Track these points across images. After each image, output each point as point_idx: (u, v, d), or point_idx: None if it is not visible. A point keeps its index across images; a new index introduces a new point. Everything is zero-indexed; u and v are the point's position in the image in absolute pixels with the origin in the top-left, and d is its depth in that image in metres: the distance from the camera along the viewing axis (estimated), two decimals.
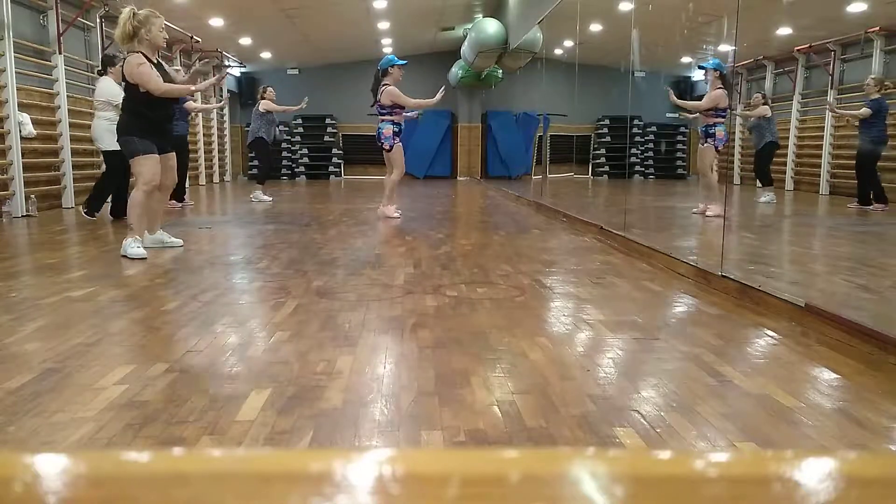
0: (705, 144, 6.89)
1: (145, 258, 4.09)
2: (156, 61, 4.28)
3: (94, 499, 0.29)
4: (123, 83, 4.33)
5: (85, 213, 6.26)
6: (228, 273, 3.81)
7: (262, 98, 9.04)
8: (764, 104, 8.69)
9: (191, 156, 9.19)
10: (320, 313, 2.79)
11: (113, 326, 2.58)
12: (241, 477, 0.30)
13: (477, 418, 1.71)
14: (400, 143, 6.76)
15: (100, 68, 6.62)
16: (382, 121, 6.66)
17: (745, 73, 12.77)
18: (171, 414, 1.72)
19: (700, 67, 7.09)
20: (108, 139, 6.00)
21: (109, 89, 6.09)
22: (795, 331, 2.56)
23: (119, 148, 5.93)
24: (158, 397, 1.83)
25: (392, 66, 6.53)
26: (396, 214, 6.80)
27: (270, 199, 8.92)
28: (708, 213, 6.68)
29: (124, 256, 4.12)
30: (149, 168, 4.24)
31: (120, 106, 5.96)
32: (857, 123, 7.86)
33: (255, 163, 9.46)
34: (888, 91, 7.56)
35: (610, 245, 4.85)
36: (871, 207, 7.53)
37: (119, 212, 6.24)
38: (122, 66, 4.31)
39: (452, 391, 1.89)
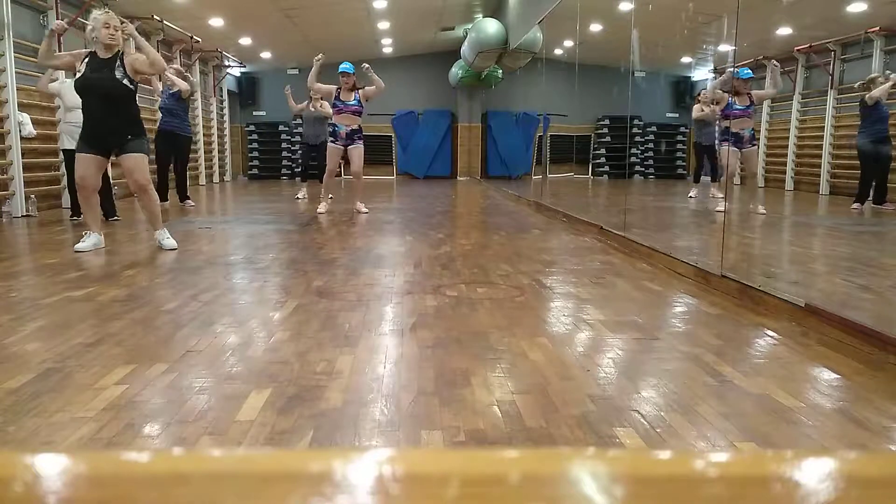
0: (754, 145, 7.04)
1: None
2: (103, 58, 4.34)
3: (94, 499, 0.29)
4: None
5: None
6: (228, 273, 3.81)
7: (317, 100, 8.91)
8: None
9: (191, 155, 9.19)
10: (320, 313, 2.79)
11: (113, 326, 2.58)
12: (241, 477, 0.30)
13: (477, 418, 1.71)
14: (332, 144, 7.14)
15: None
16: None
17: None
18: (171, 414, 1.72)
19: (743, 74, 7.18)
20: (62, 139, 6.27)
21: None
22: (795, 331, 2.56)
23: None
24: (158, 397, 1.84)
25: (344, 73, 6.94)
26: (321, 210, 7.13)
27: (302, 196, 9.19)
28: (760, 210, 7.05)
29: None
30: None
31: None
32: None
33: (314, 164, 9.45)
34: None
35: (610, 245, 4.86)
36: (882, 206, 7.54)
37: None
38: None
39: (452, 391, 1.89)
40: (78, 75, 4.33)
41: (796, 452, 0.32)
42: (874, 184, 7.73)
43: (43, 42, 4.32)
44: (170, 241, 4.50)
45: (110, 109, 4.34)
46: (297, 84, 9.81)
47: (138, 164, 4.44)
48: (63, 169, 7.55)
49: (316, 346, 2.32)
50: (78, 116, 5.90)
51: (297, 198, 9.03)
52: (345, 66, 6.94)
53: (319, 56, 6.79)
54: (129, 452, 0.31)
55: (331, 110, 7.55)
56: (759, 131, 12.16)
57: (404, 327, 2.59)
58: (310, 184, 9.26)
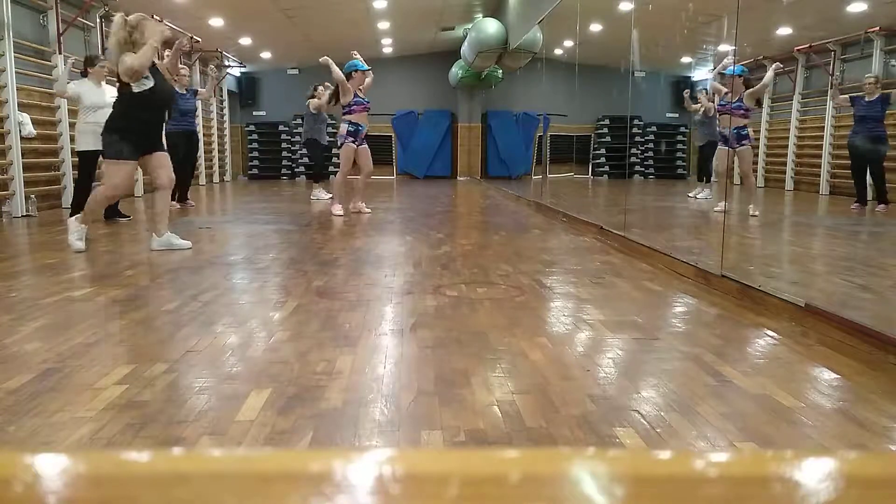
0: (743, 145, 6.92)
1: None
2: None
3: (94, 499, 0.29)
4: (117, 84, 4.40)
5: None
6: (228, 273, 3.81)
7: (313, 97, 8.92)
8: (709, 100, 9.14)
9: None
10: (320, 313, 2.79)
11: (113, 326, 2.58)
12: (241, 477, 0.30)
13: (477, 418, 1.71)
14: (351, 144, 7.00)
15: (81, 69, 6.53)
16: (342, 121, 7.06)
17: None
18: (171, 414, 1.72)
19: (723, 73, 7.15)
20: (83, 140, 6.11)
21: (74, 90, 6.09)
22: (795, 331, 2.56)
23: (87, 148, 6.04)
24: (158, 397, 1.83)
25: (355, 70, 6.77)
26: (340, 213, 6.97)
27: (329, 196, 9.01)
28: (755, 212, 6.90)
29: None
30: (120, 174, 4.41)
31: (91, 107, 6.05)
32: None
33: (311, 163, 9.41)
34: (886, 91, 7.57)
35: (610, 245, 4.85)
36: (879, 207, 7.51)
37: (109, 213, 6.23)
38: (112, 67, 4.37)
39: (452, 391, 1.89)
40: (150, 84, 4.33)
41: (796, 452, 0.32)
42: (869, 183, 7.74)
43: (172, 55, 4.60)
44: (182, 241, 4.50)
45: (166, 114, 4.63)
46: (299, 83, 9.83)
47: (168, 160, 4.62)
48: (64, 168, 7.58)
49: (316, 346, 2.32)
50: (100, 117, 5.96)
51: (319, 198, 8.95)
52: (363, 64, 6.92)
53: (325, 58, 6.74)
54: (129, 452, 0.31)
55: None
56: (759, 131, 12.19)
57: (404, 327, 2.59)
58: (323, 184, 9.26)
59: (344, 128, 6.96)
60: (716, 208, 7.27)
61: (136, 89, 4.29)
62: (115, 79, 4.48)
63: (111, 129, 4.36)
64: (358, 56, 6.96)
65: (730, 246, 3.98)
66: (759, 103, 7.14)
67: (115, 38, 4.25)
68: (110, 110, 6.12)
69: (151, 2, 8.62)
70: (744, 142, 6.82)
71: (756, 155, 12.62)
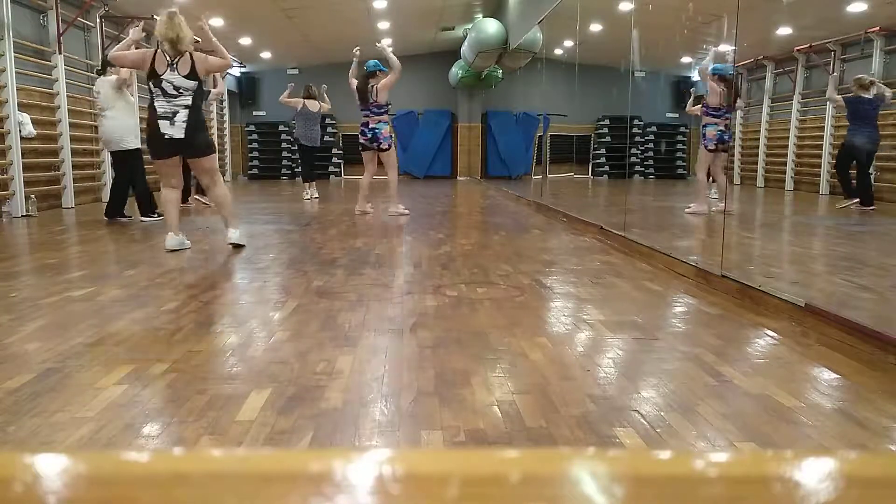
0: (704, 145, 6.98)
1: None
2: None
3: (94, 499, 0.29)
4: (194, 82, 4.31)
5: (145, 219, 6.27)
6: (228, 273, 3.81)
7: (310, 97, 8.94)
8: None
9: None
10: (320, 313, 2.79)
11: (113, 326, 2.58)
12: (241, 477, 0.30)
13: (477, 418, 1.71)
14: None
15: (99, 68, 6.60)
16: (380, 121, 6.78)
17: (745, 74, 12.78)
18: (171, 414, 1.72)
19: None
20: (134, 140, 6.24)
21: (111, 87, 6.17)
22: (795, 331, 2.56)
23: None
24: (158, 397, 1.84)
25: (380, 70, 6.70)
26: (406, 210, 7.03)
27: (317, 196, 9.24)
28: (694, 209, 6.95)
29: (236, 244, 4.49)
30: None
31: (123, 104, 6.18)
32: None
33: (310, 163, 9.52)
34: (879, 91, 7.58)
35: (610, 245, 4.85)
36: (870, 207, 7.52)
37: (113, 212, 6.26)
38: (194, 65, 4.34)
39: (452, 391, 1.89)
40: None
41: (796, 452, 0.32)
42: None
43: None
44: (176, 240, 4.49)
45: None
46: (299, 84, 9.81)
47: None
48: (64, 168, 7.57)
49: (316, 346, 2.32)
50: (136, 116, 6.17)
51: (306, 198, 9.07)
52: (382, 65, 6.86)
53: (387, 44, 6.73)
54: (129, 452, 0.31)
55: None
56: (759, 131, 12.18)
57: (404, 327, 2.59)
58: (318, 183, 9.37)
59: (387, 129, 6.79)
60: (714, 209, 7.27)
61: (205, 87, 4.46)
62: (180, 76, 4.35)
63: (206, 128, 4.47)
64: (385, 46, 6.83)
65: (730, 246, 3.98)
66: (735, 101, 7.14)
67: (187, 32, 4.40)
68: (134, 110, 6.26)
69: (152, 1, 8.61)
70: (703, 141, 6.89)
71: (756, 155, 12.63)
